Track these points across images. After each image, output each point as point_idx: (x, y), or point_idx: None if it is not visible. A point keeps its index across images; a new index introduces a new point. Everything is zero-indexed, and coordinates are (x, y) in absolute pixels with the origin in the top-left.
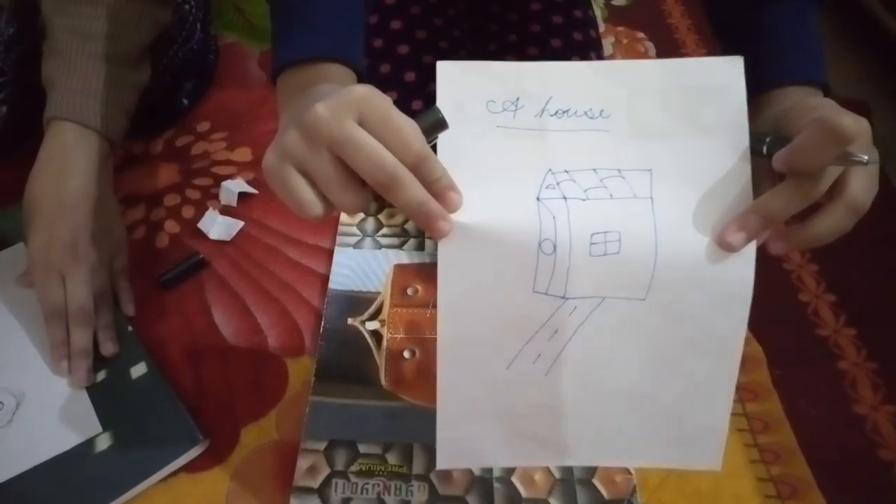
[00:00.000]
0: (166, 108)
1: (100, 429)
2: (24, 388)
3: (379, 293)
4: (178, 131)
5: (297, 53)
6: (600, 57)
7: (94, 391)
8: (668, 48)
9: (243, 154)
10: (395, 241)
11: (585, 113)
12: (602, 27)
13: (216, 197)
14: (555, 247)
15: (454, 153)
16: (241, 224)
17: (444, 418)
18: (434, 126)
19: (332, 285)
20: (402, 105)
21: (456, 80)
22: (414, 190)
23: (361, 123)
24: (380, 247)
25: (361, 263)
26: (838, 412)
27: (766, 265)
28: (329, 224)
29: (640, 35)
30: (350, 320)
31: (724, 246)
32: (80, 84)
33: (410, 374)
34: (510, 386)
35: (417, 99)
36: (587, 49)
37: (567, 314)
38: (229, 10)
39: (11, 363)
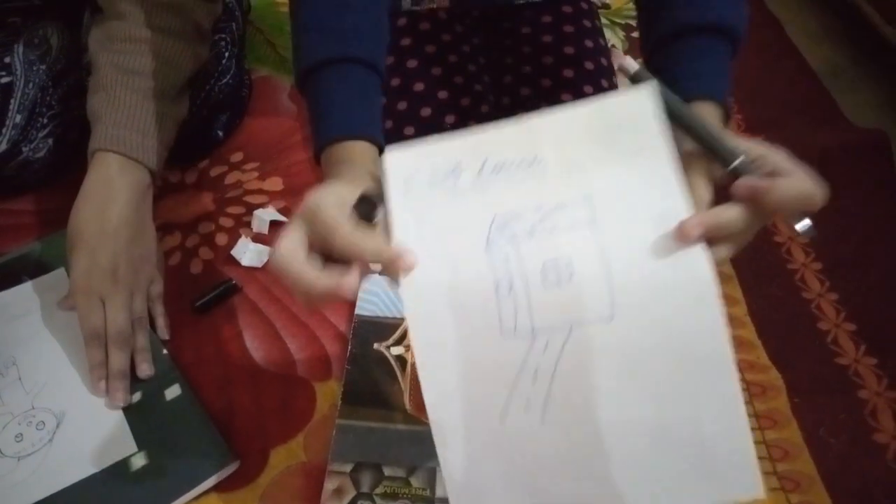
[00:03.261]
0: (202, 139)
1: (135, 448)
2: (64, 408)
3: (403, 319)
4: (213, 161)
5: (323, 139)
6: (612, 84)
7: (130, 412)
8: None
9: (274, 184)
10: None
11: (520, 163)
12: None
13: (248, 225)
14: (511, 286)
15: (408, 222)
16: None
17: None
18: (367, 209)
19: (358, 311)
20: None
21: (402, 162)
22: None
23: (314, 238)
24: None
25: (386, 290)
26: (859, 441)
27: (786, 294)
28: None
29: None
30: (376, 345)
31: (681, 237)
32: (123, 117)
33: None
34: (512, 443)
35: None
36: (598, 77)
37: (541, 352)
38: (262, 44)
39: (53, 384)
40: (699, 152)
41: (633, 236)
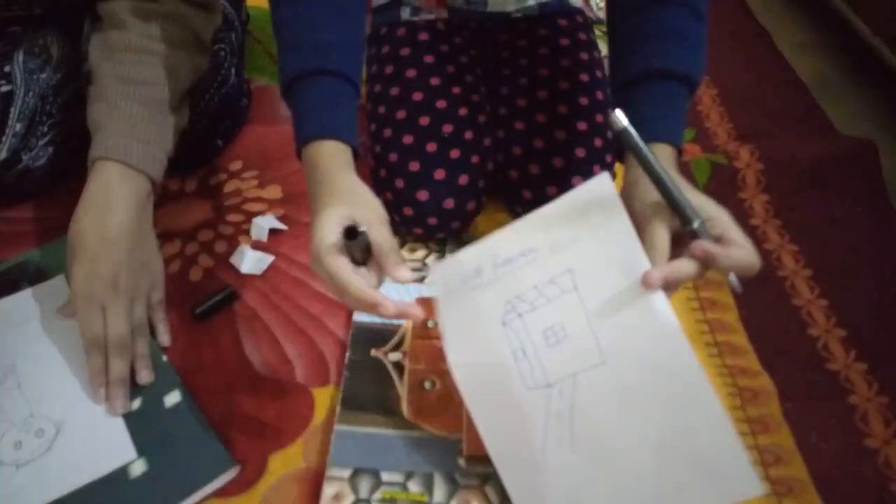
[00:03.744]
0: (202, 148)
1: (135, 455)
2: (63, 415)
3: (401, 325)
4: (212, 170)
5: (299, 142)
6: (606, 95)
7: (129, 418)
8: None
9: (273, 192)
10: (416, 274)
11: (520, 255)
12: None
13: (248, 232)
14: (524, 352)
15: (451, 315)
16: (270, 258)
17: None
18: (355, 242)
19: (356, 317)
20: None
21: (443, 272)
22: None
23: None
24: None
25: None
26: (850, 446)
27: (777, 300)
28: None
29: None
30: (373, 351)
31: (646, 285)
32: (124, 126)
33: (431, 405)
34: (555, 472)
35: (440, 168)
36: (593, 88)
37: (558, 398)
38: (260, 54)
39: (51, 391)
40: (664, 205)
41: (608, 294)
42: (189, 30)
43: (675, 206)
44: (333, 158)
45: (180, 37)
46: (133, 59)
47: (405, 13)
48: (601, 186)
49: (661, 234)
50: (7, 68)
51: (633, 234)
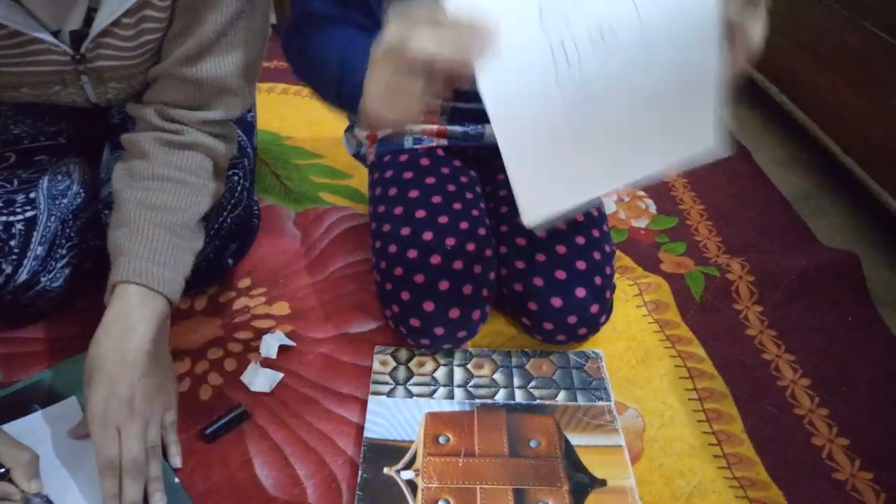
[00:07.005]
0: (212, 268)
1: None
2: None
3: (412, 441)
4: (221, 287)
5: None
6: (603, 230)
7: None
8: (667, 205)
9: (281, 308)
10: (425, 389)
11: None
12: None
13: (257, 349)
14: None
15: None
16: (280, 376)
17: (517, 178)
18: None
19: (367, 434)
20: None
21: None
22: None
23: None
24: (411, 395)
25: (394, 412)
26: None
27: (779, 411)
28: (363, 374)
29: (640, 192)
30: (386, 469)
31: None
32: (146, 251)
33: None
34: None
35: (444, 280)
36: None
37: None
38: (267, 175)
39: None
40: None
41: None
42: (209, 159)
43: None
44: None
45: (200, 165)
46: (156, 187)
47: (408, 142)
48: None
49: None
50: (32, 194)
51: None
